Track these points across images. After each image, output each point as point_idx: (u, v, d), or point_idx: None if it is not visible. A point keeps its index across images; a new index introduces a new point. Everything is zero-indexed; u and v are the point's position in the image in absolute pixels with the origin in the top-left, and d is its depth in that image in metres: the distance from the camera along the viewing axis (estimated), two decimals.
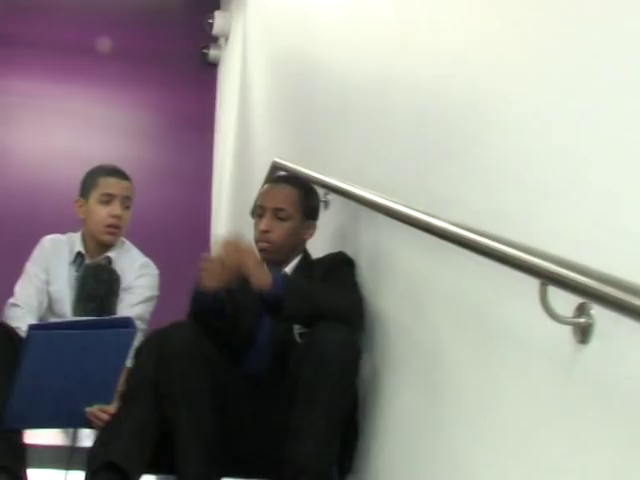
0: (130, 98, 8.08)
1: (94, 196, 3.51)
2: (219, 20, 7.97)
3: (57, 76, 7.96)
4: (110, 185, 3.53)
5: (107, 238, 3.51)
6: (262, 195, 3.32)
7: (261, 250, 3.19)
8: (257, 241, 3.21)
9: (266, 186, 3.48)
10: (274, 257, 3.20)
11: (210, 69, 8.39)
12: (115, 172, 3.59)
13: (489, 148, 2.25)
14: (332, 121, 3.91)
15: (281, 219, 3.20)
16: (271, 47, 5.71)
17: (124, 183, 3.57)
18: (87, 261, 3.51)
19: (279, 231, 3.19)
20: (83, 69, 7.94)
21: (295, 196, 3.25)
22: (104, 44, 7.96)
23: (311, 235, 3.29)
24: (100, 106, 7.99)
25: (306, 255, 3.28)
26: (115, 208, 3.49)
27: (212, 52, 8.32)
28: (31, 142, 7.74)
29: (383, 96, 3.20)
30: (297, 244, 3.24)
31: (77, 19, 8.00)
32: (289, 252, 3.22)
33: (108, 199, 3.50)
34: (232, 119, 7.09)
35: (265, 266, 2.95)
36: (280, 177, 3.45)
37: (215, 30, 8.01)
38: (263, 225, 3.20)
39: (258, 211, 3.27)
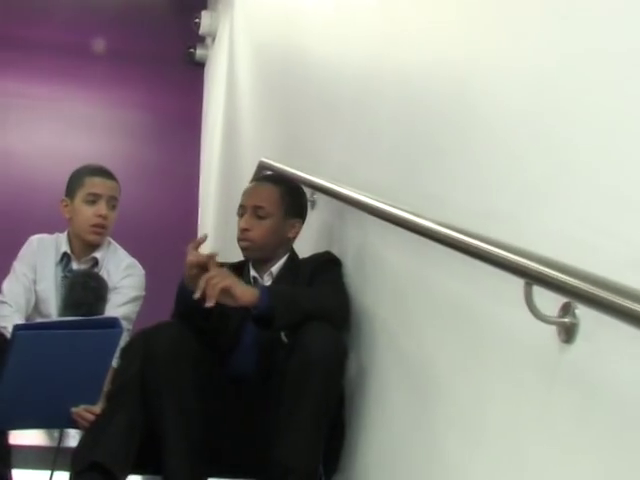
0: (117, 98, 8.06)
1: (80, 196, 3.50)
2: (206, 20, 7.95)
3: (44, 76, 7.93)
4: (96, 185, 3.52)
5: (93, 238, 3.50)
6: (243, 194, 3.32)
7: (242, 248, 3.20)
8: (238, 240, 3.22)
9: (248, 185, 3.48)
10: (256, 255, 3.20)
11: (197, 69, 8.38)
12: (101, 172, 3.58)
13: (477, 148, 2.25)
14: (319, 121, 3.91)
15: (260, 217, 3.19)
16: (258, 46, 5.71)
17: (110, 183, 3.55)
18: (73, 262, 3.51)
19: (259, 229, 3.19)
20: (70, 69, 7.91)
21: (275, 194, 3.24)
22: (91, 44, 7.94)
23: (296, 233, 3.28)
24: (87, 106, 7.97)
25: (293, 255, 3.27)
26: (101, 208, 3.48)
27: (199, 52, 8.31)
28: (18, 142, 7.72)
29: (370, 96, 3.20)
30: (281, 242, 3.23)
31: (64, 19, 7.97)
32: (273, 250, 3.21)
33: (94, 199, 3.49)
34: (219, 119, 7.09)
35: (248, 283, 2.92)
36: (263, 176, 3.45)
37: (202, 30, 8.00)
38: (242, 223, 3.21)
39: (239, 210, 3.27)
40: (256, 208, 3.21)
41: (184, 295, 2.89)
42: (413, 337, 2.58)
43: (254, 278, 3.21)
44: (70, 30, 7.96)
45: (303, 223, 3.31)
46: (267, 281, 3.20)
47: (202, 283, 2.74)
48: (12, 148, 7.68)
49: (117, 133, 8.01)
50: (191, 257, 2.83)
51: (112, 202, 3.53)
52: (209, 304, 2.73)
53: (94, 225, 3.48)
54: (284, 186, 3.32)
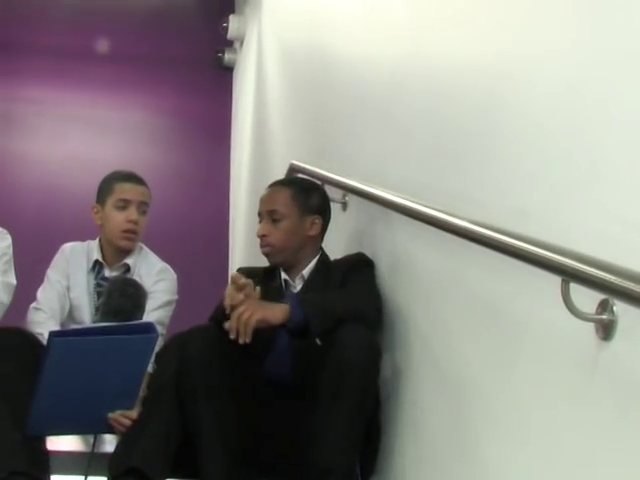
0: (145, 103, 8.08)
1: (110, 202, 3.52)
2: (234, 24, 7.96)
3: (72, 82, 7.97)
4: (126, 190, 3.53)
5: (124, 244, 3.52)
6: (259, 202, 3.33)
7: (265, 255, 3.21)
8: (260, 247, 3.24)
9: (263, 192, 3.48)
10: (280, 259, 3.20)
11: (225, 73, 8.39)
12: (131, 177, 3.59)
13: (508, 145, 2.24)
14: (349, 122, 3.90)
15: (276, 221, 3.20)
16: (286, 49, 5.71)
17: (140, 188, 3.57)
18: (105, 269, 3.53)
19: (277, 233, 3.19)
20: (98, 75, 7.94)
21: (287, 195, 3.24)
22: (119, 49, 7.97)
23: (317, 230, 3.26)
24: (116, 112, 7.99)
25: (323, 257, 3.27)
26: (131, 213, 3.50)
27: (227, 56, 8.32)
28: (47, 149, 7.75)
29: (400, 96, 3.20)
30: (303, 242, 3.22)
31: (91, 25, 8.00)
32: (296, 251, 3.21)
33: (124, 204, 3.51)
34: (248, 123, 7.10)
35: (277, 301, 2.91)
36: (276, 181, 3.45)
37: (230, 34, 8.01)
38: (259, 230, 3.23)
39: (258, 218, 3.29)
40: (270, 212, 3.22)
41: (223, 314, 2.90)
42: (447, 337, 2.58)
43: (285, 281, 3.21)
44: (99, 36, 7.99)
45: (325, 219, 3.30)
46: (298, 284, 3.20)
47: (234, 323, 2.77)
48: (41, 155, 7.72)
49: (146, 138, 8.03)
50: (228, 300, 2.82)
51: (142, 207, 3.55)
52: (243, 341, 2.77)
53: (125, 231, 3.50)
54: (295, 186, 3.33)
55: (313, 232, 3.25)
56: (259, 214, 3.29)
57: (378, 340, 2.91)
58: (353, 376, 2.72)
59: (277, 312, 2.82)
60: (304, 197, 3.26)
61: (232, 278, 2.89)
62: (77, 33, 7.97)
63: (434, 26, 2.89)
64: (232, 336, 2.77)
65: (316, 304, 2.87)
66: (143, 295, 3.07)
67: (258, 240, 3.26)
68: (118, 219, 3.50)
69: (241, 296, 2.81)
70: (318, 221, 3.26)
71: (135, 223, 3.51)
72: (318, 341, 2.97)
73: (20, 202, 7.26)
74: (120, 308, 2.98)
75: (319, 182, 3.67)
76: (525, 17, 2.22)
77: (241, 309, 2.78)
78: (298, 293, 3.11)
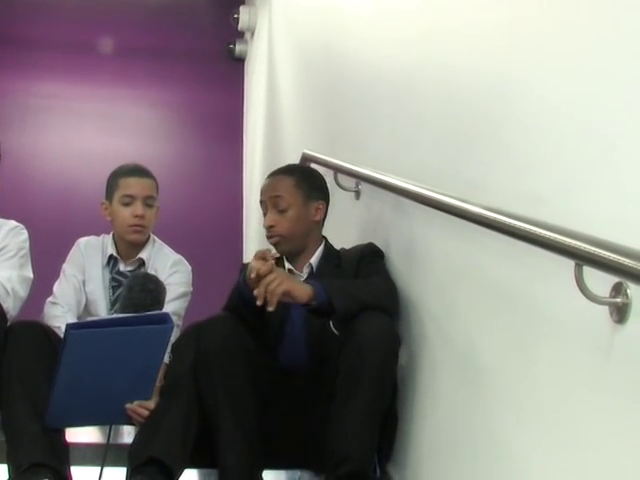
0: (157, 96, 8.10)
1: (116, 198, 3.54)
2: (244, 15, 7.98)
3: (84, 77, 8.00)
4: (130, 185, 3.54)
5: (133, 237, 3.54)
6: (261, 191, 3.33)
7: (274, 245, 3.22)
8: (267, 238, 3.25)
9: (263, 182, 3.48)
10: (289, 247, 3.22)
11: (237, 64, 8.40)
12: (135, 171, 3.60)
13: (520, 131, 2.24)
14: (361, 111, 3.90)
15: (282, 211, 3.20)
16: (297, 39, 5.71)
17: (145, 182, 3.58)
18: (120, 263, 3.55)
19: (284, 223, 3.20)
20: (108, 69, 7.97)
21: (291, 183, 3.25)
22: (130, 43, 7.99)
23: (322, 215, 3.28)
24: (128, 105, 8.02)
25: (328, 244, 3.29)
26: (137, 208, 3.51)
27: (238, 47, 8.34)
28: (61, 144, 7.78)
29: (411, 83, 3.20)
30: (309, 228, 3.24)
31: (102, 19, 8.03)
32: (303, 237, 3.22)
33: (129, 200, 3.52)
34: (260, 113, 7.10)
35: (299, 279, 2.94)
36: (275, 170, 3.45)
37: (241, 25, 8.02)
38: (267, 221, 3.23)
39: (262, 208, 3.30)
40: (274, 199, 3.22)
41: (243, 293, 2.93)
42: (462, 323, 2.58)
43: (290, 271, 3.21)
44: (109, 29, 8.01)
45: (327, 203, 3.31)
46: (305, 273, 3.21)
47: (262, 289, 2.77)
48: (56, 150, 7.75)
49: (159, 130, 8.05)
50: (257, 267, 2.82)
51: (148, 201, 3.56)
52: (270, 309, 2.78)
53: (132, 225, 3.51)
54: (297, 172, 3.34)
55: (318, 217, 3.26)
56: (262, 203, 3.29)
57: (396, 328, 2.91)
58: (373, 363, 2.74)
59: (302, 290, 2.83)
60: (307, 183, 3.28)
61: (258, 253, 2.90)
62: (89, 28, 8.00)
63: (448, 12, 2.89)
64: (259, 302, 2.77)
65: (339, 288, 2.89)
66: (162, 291, 3.09)
67: (264, 231, 3.26)
68: (125, 214, 3.52)
69: (270, 264, 2.83)
70: (322, 206, 3.27)
71: (142, 217, 3.51)
72: (335, 330, 2.98)
73: (35, 197, 7.30)
74: (140, 302, 2.99)
75: (332, 170, 3.68)
76: (539, 6, 2.22)
77: (270, 277, 2.79)
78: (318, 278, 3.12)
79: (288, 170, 3.39)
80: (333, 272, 3.16)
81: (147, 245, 3.59)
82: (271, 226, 3.22)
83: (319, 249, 3.25)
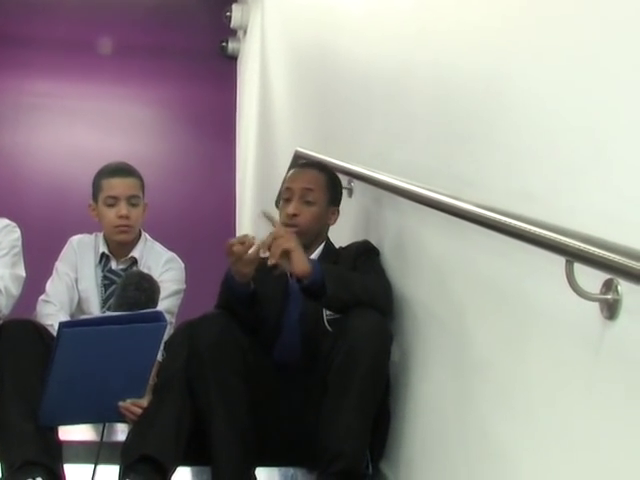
0: (150, 94, 8.10)
1: (101, 199, 3.51)
2: (237, 13, 7.98)
3: (76, 75, 7.99)
4: (113, 187, 3.51)
5: (120, 237, 3.52)
6: (290, 178, 3.33)
7: None
8: (284, 225, 3.19)
9: (293, 169, 3.48)
10: (301, 242, 3.21)
11: (229, 62, 8.40)
12: (118, 171, 3.56)
13: (511, 128, 2.25)
14: (354, 108, 3.91)
15: (308, 203, 3.21)
16: (290, 37, 5.71)
17: (128, 181, 3.53)
18: (112, 262, 3.54)
19: (307, 215, 3.20)
20: (102, 67, 7.97)
21: (322, 180, 3.27)
22: (123, 42, 7.98)
23: (335, 221, 3.30)
24: (121, 103, 8.02)
25: (328, 242, 3.29)
26: (121, 209, 3.48)
27: (231, 45, 8.34)
28: (54, 142, 7.78)
29: (404, 81, 3.20)
30: (322, 229, 3.26)
31: (95, 18, 8.02)
32: (314, 236, 3.23)
33: (113, 201, 3.49)
34: (253, 111, 7.10)
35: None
36: (307, 162, 3.46)
37: (233, 23, 8.02)
38: (291, 208, 3.20)
39: (285, 194, 3.26)
40: (305, 191, 3.22)
41: (229, 284, 2.95)
42: (455, 320, 2.58)
43: None
44: (101, 28, 8.01)
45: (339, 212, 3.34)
46: None
47: (269, 239, 2.83)
48: (48, 148, 7.75)
49: (151, 128, 8.05)
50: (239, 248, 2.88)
51: (132, 200, 3.52)
52: (270, 262, 2.83)
53: (117, 226, 3.50)
54: (328, 174, 3.35)
55: (332, 222, 3.30)
56: (288, 189, 3.26)
57: (389, 325, 2.92)
58: (364, 360, 2.75)
59: (302, 260, 2.86)
60: (333, 187, 3.31)
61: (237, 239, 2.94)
62: (82, 26, 8.00)
63: (440, 11, 2.89)
64: (262, 254, 2.86)
65: (336, 273, 2.92)
66: (157, 290, 3.09)
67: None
68: (110, 216, 3.50)
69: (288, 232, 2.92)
70: (337, 213, 3.30)
71: (126, 218, 3.49)
72: (328, 326, 2.99)
73: (28, 195, 7.29)
74: (134, 301, 3.00)
75: None
76: (530, 6, 2.22)
77: (280, 232, 2.88)
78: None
79: (322, 168, 3.38)
80: None
81: (139, 243, 3.58)
82: (295, 215, 3.20)
83: (320, 247, 3.25)
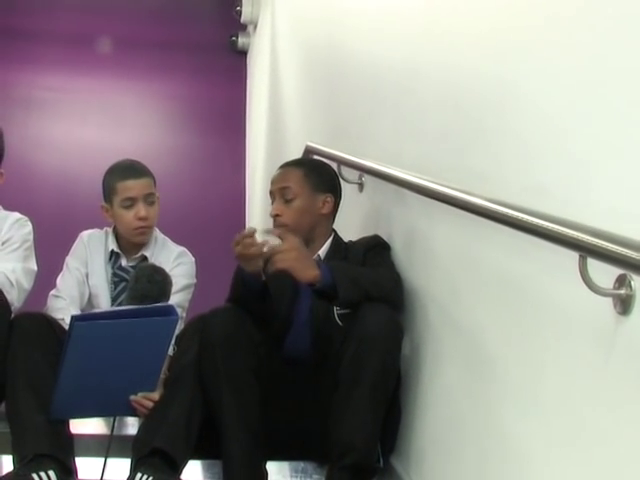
0: (160, 88, 8.09)
1: (116, 202, 3.49)
2: (247, 8, 7.96)
3: (87, 69, 7.97)
4: (128, 188, 3.49)
5: (140, 239, 3.52)
6: (270, 182, 3.35)
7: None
8: (274, 227, 3.24)
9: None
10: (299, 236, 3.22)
11: (239, 57, 8.39)
12: (130, 172, 3.54)
13: (524, 123, 2.24)
14: (365, 103, 3.90)
15: (288, 200, 3.22)
16: (300, 32, 5.71)
17: (142, 181, 3.52)
18: (122, 259, 3.54)
19: (289, 212, 3.22)
20: (112, 61, 7.95)
21: (299, 174, 3.27)
22: (133, 35, 7.98)
23: (330, 208, 3.28)
24: (130, 97, 8.01)
25: (337, 237, 3.29)
26: (139, 210, 3.47)
27: (241, 40, 8.32)
28: (65, 136, 7.77)
29: (415, 75, 3.20)
30: (316, 220, 3.25)
31: (105, 11, 8.02)
32: (309, 230, 3.22)
33: (130, 203, 3.47)
34: (263, 106, 7.10)
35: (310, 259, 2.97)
36: (285, 162, 3.46)
37: (243, 18, 8.00)
38: (272, 210, 3.25)
39: (270, 199, 3.31)
40: (282, 190, 3.25)
41: (241, 277, 2.97)
42: (466, 315, 2.59)
43: None
44: (111, 22, 8.00)
45: (336, 197, 3.32)
46: None
47: (269, 252, 2.86)
48: (59, 142, 7.74)
49: (162, 123, 8.04)
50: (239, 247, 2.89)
51: (149, 199, 3.52)
52: (270, 270, 2.87)
53: (137, 228, 3.49)
54: (307, 164, 3.38)
55: (325, 210, 3.27)
56: (270, 193, 3.31)
57: (400, 319, 2.92)
58: (376, 354, 2.75)
59: (307, 271, 2.85)
60: (315, 176, 3.29)
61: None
62: (93, 21, 7.99)
63: (452, 5, 2.89)
64: (265, 249, 2.89)
65: (346, 273, 2.91)
66: (169, 283, 3.11)
67: (272, 220, 3.28)
68: (128, 218, 3.49)
69: (296, 241, 2.91)
70: (330, 199, 3.28)
71: (145, 219, 3.50)
72: (339, 321, 3.00)
73: (39, 189, 7.29)
74: (147, 294, 3.01)
75: (335, 163, 3.68)
76: (541, 3, 2.22)
77: (283, 247, 2.88)
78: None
79: (298, 162, 3.43)
80: None
81: (149, 242, 3.57)
82: (277, 215, 3.23)
83: (328, 241, 3.25)
